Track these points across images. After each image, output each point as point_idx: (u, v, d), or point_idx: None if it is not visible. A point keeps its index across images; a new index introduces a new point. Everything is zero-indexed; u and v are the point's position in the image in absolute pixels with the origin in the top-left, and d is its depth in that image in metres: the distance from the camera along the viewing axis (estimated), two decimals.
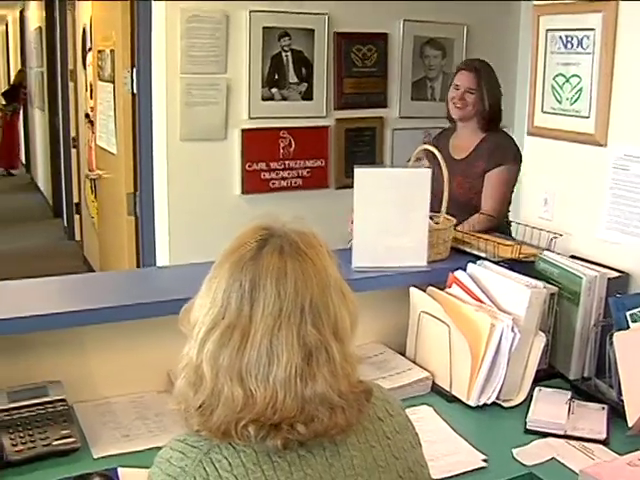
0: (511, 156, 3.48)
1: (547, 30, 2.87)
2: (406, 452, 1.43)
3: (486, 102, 3.55)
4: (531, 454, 2.06)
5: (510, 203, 3.53)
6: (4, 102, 14.05)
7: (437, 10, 4.71)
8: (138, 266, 4.57)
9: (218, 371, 1.29)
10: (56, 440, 1.97)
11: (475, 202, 3.46)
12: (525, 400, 2.32)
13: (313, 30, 4.37)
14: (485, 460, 2.01)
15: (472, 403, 2.30)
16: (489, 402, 2.30)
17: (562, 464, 2.01)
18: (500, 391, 2.30)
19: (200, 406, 1.30)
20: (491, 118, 3.57)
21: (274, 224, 1.38)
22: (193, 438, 1.32)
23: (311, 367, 1.29)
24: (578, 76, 2.76)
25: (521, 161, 3.41)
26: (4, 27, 19.08)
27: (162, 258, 4.25)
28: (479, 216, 3.31)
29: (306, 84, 4.39)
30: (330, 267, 1.37)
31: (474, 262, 2.58)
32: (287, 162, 4.39)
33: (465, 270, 2.54)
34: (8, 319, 2.09)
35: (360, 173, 2.55)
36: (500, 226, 3.21)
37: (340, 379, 1.32)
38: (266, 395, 1.27)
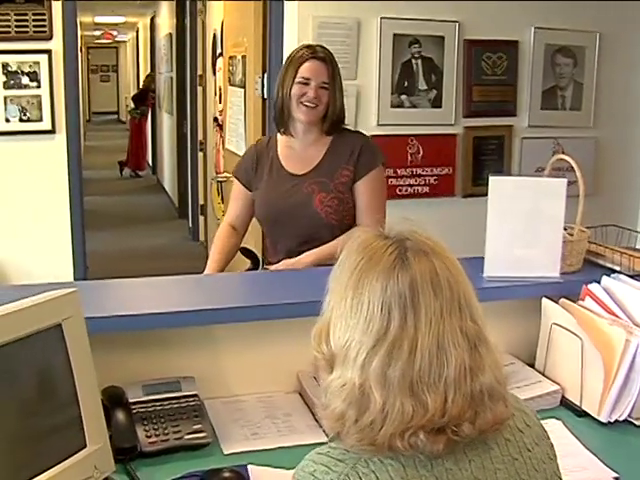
0: (380, 156, 3.05)
1: None
2: (545, 464, 1.41)
3: (338, 99, 2.96)
4: None
5: None
6: (133, 106, 14.51)
7: (569, 17, 4.59)
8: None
9: (389, 387, 1.26)
10: (188, 434, 2.02)
11: (348, 220, 2.99)
12: None
13: (443, 37, 4.34)
14: (617, 478, 1.95)
15: (603, 419, 2.24)
16: (621, 419, 2.24)
17: None
18: (633, 408, 2.24)
19: (368, 425, 1.26)
20: (339, 118, 3.01)
21: (390, 231, 1.37)
22: (337, 451, 1.29)
23: (477, 360, 1.30)
24: None
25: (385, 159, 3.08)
26: (135, 34, 19.75)
27: None
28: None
29: (435, 91, 4.36)
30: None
31: (608, 275, 2.52)
32: (415, 169, 4.36)
33: (599, 283, 2.48)
34: (145, 314, 2.16)
35: (495, 181, 2.52)
36: None
37: (500, 368, 1.34)
38: (437, 399, 1.25)
